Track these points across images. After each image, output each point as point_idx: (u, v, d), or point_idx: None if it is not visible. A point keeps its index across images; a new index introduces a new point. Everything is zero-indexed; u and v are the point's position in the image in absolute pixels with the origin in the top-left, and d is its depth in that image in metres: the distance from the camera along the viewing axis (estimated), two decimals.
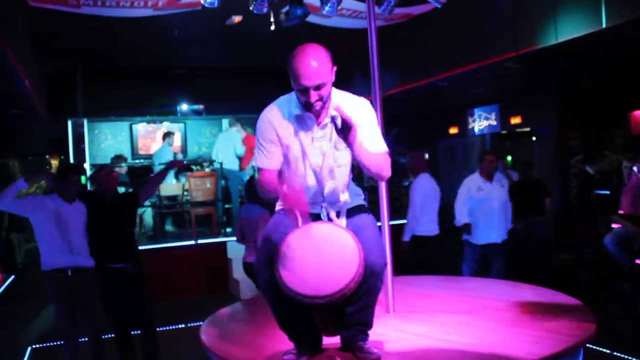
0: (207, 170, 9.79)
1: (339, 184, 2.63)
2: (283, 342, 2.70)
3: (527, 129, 11.17)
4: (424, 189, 6.05)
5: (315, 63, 2.35)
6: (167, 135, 10.17)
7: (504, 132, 11.74)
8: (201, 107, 12.01)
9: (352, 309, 2.49)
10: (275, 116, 2.55)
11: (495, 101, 11.49)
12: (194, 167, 9.87)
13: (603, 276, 6.67)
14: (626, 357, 4.64)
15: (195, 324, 6.36)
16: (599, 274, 6.76)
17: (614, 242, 5.91)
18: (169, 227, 9.72)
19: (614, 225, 6.63)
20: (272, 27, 6.45)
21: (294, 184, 2.55)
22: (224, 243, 8.60)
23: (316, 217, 2.63)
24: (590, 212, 7.58)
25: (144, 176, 10.44)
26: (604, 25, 5.61)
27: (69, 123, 10.50)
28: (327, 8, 5.91)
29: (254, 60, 10.51)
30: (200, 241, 8.58)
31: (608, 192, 6.49)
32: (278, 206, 2.76)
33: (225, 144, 9.22)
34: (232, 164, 9.14)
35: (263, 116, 2.59)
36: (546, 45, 6.33)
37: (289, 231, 2.48)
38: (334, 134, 2.50)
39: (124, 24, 7.38)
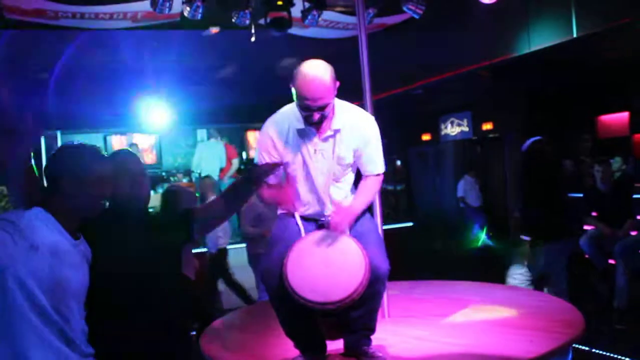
0: (184, 181, 9.77)
1: (341, 193, 2.71)
2: (286, 350, 2.77)
3: (498, 135, 11.42)
4: None
5: (319, 85, 2.39)
6: (130, 147, 10.14)
7: (474, 138, 11.98)
8: (175, 117, 11.93)
9: (357, 314, 2.56)
10: (276, 131, 2.59)
11: (468, 108, 11.74)
12: (172, 179, 9.83)
13: (578, 276, 6.88)
14: (604, 353, 4.81)
15: None
16: (573, 275, 6.97)
17: (589, 244, 6.11)
18: None
19: (586, 227, 6.86)
20: (253, 39, 6.54)
21: (294, 194, 2.63)
22: (204, 253, 8.57)
23: (320, 227, 2.70)
24: (560, 215, 7.78)
25: None
26: (574, 35, 5.83)
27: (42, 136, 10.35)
28: (308, 19, 6.02)
29: (228, 72, 10.52)
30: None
31: (581, 195, 6.69)
32: (280, 210, 2.82)
33: (208, 155, 9.23)
34: (213, 174, 9.16)
35: (265, 130, 2.63)
36: (520, 54, 6.53)
37: (295, 239, 2.55)
38: (336, 147, 2.57)
39: (95, 33, 7.35)
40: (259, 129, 10.11)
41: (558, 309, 3.30)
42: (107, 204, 2.23)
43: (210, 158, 9.20)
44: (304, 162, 2.59)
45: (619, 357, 4.73)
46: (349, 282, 2.38)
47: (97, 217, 2.06)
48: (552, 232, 5.07)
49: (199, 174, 9.06)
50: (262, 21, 6.61)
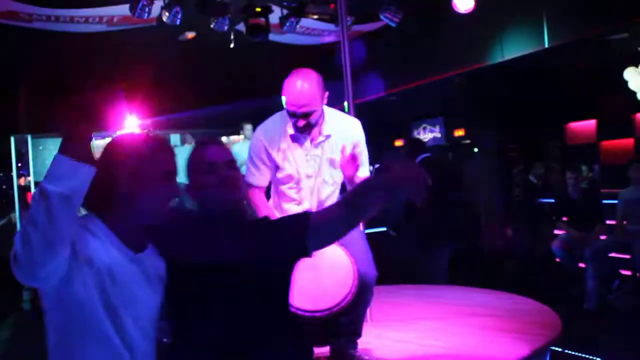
0: None
1: (329, 192, 2.76)
2: None
3: (469, 141, 11.62)
4: None
5: (304, 92, 2.46)
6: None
7: (446, 144, 12.16)
8: (149, 121, 11.85)
9: (344, 319, 2.61)
10: (268, 136, 2.65)
11: (440, 114, 11.91)
12: None
13: (550, 280, 7.05)
14: (576, 354, 4.94)
15: None
16: (545, 278, 7.14)
17: (560, 248, 6.27)
18: None
19: (557, 232, 7.04)
20: (232, 45, 6.57)
21: (286, 200, 2.67)
22: None
23: None
24: (534, 219, 7.97)
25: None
26: (546, 45, 5.99)
27: (12, 140, 10.17)
28: (286, 26, 6.07)
29: (202, 76, 10.50)
30: None
31: (552, 200, 6.86)
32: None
33: (183, 159, 9.15)
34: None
35: (257, 136, 2.69)
36: (493, 62, 6.67)
37: None
38: (327, 152, 2.63)
39: (70, 38, 7.28)
40: (231, 134, 10.16)
41: (535, 311, 3.39)
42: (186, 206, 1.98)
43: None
44: (296, 167, 2.64)
45: (590, 357, 4.87)
46: (338, 290, 2.43)
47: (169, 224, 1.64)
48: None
49: None
50: (240, 27, 6.67)
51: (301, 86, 2.46)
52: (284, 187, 2.72)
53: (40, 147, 10.91)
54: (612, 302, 5.94)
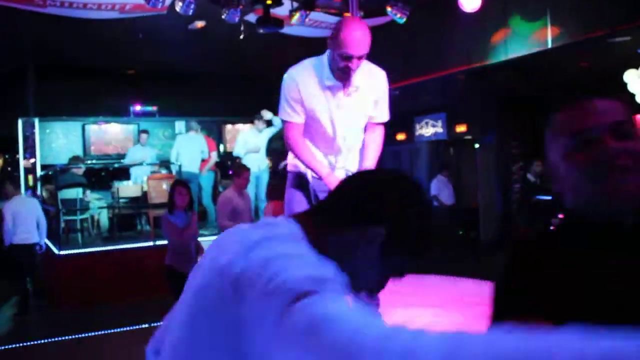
0: (163, 172, 9.84)
1: (357, 139, 2.95)
2: None
3: (471, 137, 11.74)
4: None
5: (364, 35, 2.63)
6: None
7: (447, 139, 12.29)
8: (154, 108, 11.99)
9: None
10: (304, 81, 2.78)
11: (442, 109, 12.02)
12: (151, 170, 9.87)
13: None
14: None
15: (155, 324, 6.47)
16: None
17: None
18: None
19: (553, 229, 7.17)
20: (242, 36, 6.69)
21: (316, 144, 2.87)
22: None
23: None
24: (531, 216, 8.13)
25: (102, 177, 10.43)
26: (549, 45, 6.11)
27: (19, 122, 10.30)
28: (295, 18, 6.19)
29: (210, 65, 10.63)
30: (158, 242, 8.63)
31: (550, 198, 7.01)
32: (290, 163, 3.02)
33: (189, 147, 9.27)
34: (194, 167, 9.23)
35: (290, 77, 2.80)
36: (497, 61, 6.80)
37: (305, 200, 2.77)
38: (358, 101, 2.80)
39: (79, 23, 7.39)
40: (236, 122, 10.29)
41: None
42: None
43: (191, 150, 9.26)
44: (330, 115, 2.81)
45: None
46: None
47: None
48: None
49: (179, 166, 9.15)
50: (251, 18, 6.80)
51: (361, 30, 2.63)
52: (314, 134, 2.89)
53: (47, 131, 11.05)
54: None
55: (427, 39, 7.68)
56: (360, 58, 2.64)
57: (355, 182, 1.14)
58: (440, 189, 10.98)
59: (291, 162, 3.00)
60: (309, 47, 8.35)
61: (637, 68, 6.76)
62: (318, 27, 7.59)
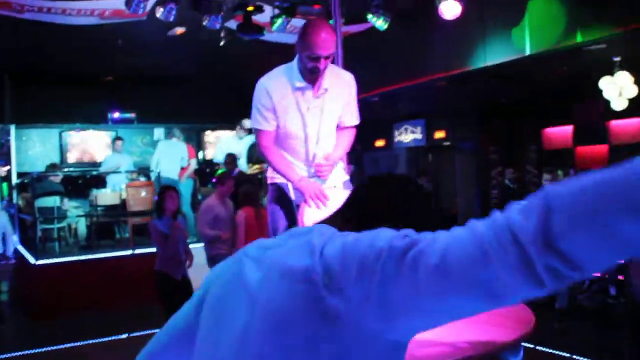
0: (142, 179, 9.75)
1: (328, 145, 2.96)
2: None
3: (449, 143, 11.85)
4: None
5: (329, 35, 2.68)
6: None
7: (426, 145, 12.38)
8: (133, 115, 11.89)
9: None
10: (274, 87, 2.82)
11: (421, 116, 12.11)
12: (129, 177, 9.76)
13: None
14: (547, 350, 5.16)
15: (136, 334, 6.38)
16: None
17: None
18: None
19: None
20: (222, 43, 6.68)
21: (289, 151, 2.90)
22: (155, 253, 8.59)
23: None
24: None
25: (78, 185, 10.28)
26: (527, 53, 6.21)
27: None
28: (277, 25, 6.20)
29: (189, 71, 10.58)
30: (137, 251, 8.54)
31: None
32: (270, 176, 3.04)
33: (170, 153, 9.21)
34: (173, 174, 9.17)
35: (260, 85, 2.85)
36: (476, 67, 6.88)
37: (289, 209, 2.78)
38: (327, 103, 2.84)
39: (57, 29, 7.31)
40: (215, 129, 10.21)
41: (509, 306, 3.54)
42: None
43: (171, 157, 9.20)
44: (301, 117, 2.85)
45: (561, 353, 5.09)
46: None
47: None
48: None
49: (159, 172, 9.08)
50: (231, 25, 6.80)
51: (326, 30, 2.68)
52: (287, 141, 2.92)
53: (24, 138, 10.89)
54: (582, 302, 6.19)
55: (407, 46, 7.74)
56: (327, 58, 2.70)
57: (369, 190, 1.16)
58: None
59: (270, 174, 3.03)
60: (290, 54, 8.40)
61: (612, 75, 6.89)
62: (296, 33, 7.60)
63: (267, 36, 7.15)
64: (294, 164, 2.92)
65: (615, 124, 9.27)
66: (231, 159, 7.10)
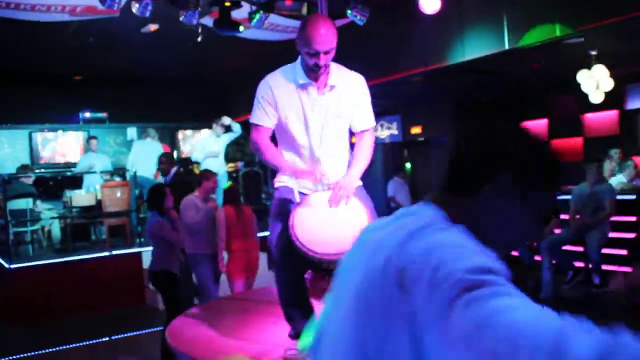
0: (117, 179, 9.57)
1: (337, 149, 2.87)
2: (254, 342, 2.88)
3: (425, 138, 11.89)
4: None
5: (328, 30, 2.62)
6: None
7: (403, 141, 12.41)
8: (104, 114, 11.66)
9: None
10: (277, 84, 2.76)
11: (397, 112, 12.14)
12: (104, 178, 9.56)
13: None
14: None
15: (115, 337, 6.26)
16: None
17: None
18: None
19: None
20: (199, 39, 6.56)
21: (291, 153, 2.80)
22: (139, 253, 8.45)
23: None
24: None
25: (50, 186, 10.03)
26: (506, 47, 6.22)
27: None
28: (255, 21, 6.10)
29: (162, 69, 10.41)
30: (114, 252, 8.38)
31: None
32: (277, 183, 2.94)
33: (146, 153, 9.05)
34: (149, 174, 9.01)
35: (265, 82, 2.79)
36: (454, 62, 6.88)
37: (295, 206, 2.68)
38: (332, 101, 2.75)
39: (26, 26, 7.10)
40: (189, 128, 10.07)
41: None
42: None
43: (147, 157, 9.04)
44: (304, 115, 2.76)
45: None
46: (359, 229, 2.52)
47: None
48: None
49: (134, 172, 8.91)
50: (207, 22, 6.66)
51: (325, 25, 2.63)
52: (289, 143, 2.83)
53: None
54: (566, 292, 6.26)
55: (384, 42, 7.71)
56: (327, 53, 2.64)
57: (461, 145, 1.13)
58: (397, 191, 11.05)
59: (276, 180, 2.94)
60: (265, 51, 8.31)
61: (589, 69, 6.96)
62: (275, 31, 7.51)
63: (244, 33, 7.04)
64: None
65: (589, 117, 9.41)
66: (167, 158, 6.89)
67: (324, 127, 2.78)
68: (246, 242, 5.60)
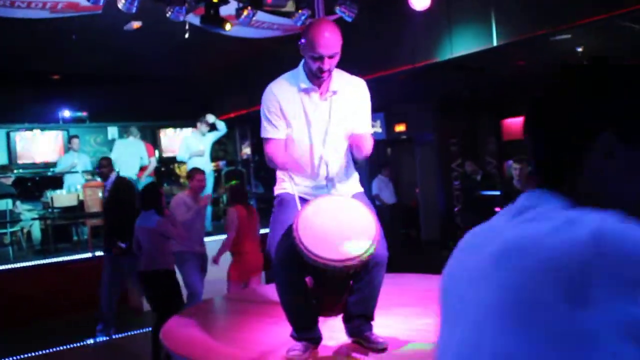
0: (99, 179, 9.40)
1: (338, 160, 2.84)
2: (251, 343, 2.82)
3: (409, 136, 11.89)
4: None
5: (332, 34, 2.62)
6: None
7: (386, 139, 12.39)
8: (84, 114, 11.46)
9: (355, 298, 2.69)
10: (281, 90, 2.76)
11: (381, 109, 12.11)
12: (85, 178, 9.39)
13: None
14: None
15: (100, 339, 6.14)
16: None
17: None
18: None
19: None
20: (186, 35, 6.46)
21: (296, 157, 2.78)
22: None
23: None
24: (475, 212, 8.29)
25: (28, 187, 9.84)
26: (494, 44, 6.24)
27: None
28: (242, 18, 6.03)
29: (144, 67, 10.25)
30: (97, 253, 8.22)
31: (498, 193, 7.17)
32: (277, 190, 2.91)
33: (128, 152, 8.91)
34: (132, 173, 8.87)
35: (269, 90, 2.79)
36: (442, 59, 6.87)
37: (297, 210, 2.63)
38: (335, 106, 2.74)
39: (4, 23, 6.93)
40: (172, 127, 9.91)
41: None
42: None
43: (130, 156, 8.90)
44: (306, 119, 2.75)
45: None
46: (365, 237, 2.47)
47: None
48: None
49: (118, 172, 8.75)
50: (191, 19, 6.56)
51: (330, 29, 2.63)
52: (292, 147, 2.81)
53: None
54: None
55: (370, 38, 7.68)
56: (331, 57, 2.63)
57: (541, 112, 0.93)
58: (381, 189, 11.05)
59: (276, 187, 2.92)
60: (248, 50, 8.22)
61: None
62: (261, 28, 7.44)
63: (229, 31, 6.96)
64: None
65: None
66: (107, 162, 6.75)
67: (327, 130, 2.78)
68: (255, 242, 5.50)
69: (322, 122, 2.76)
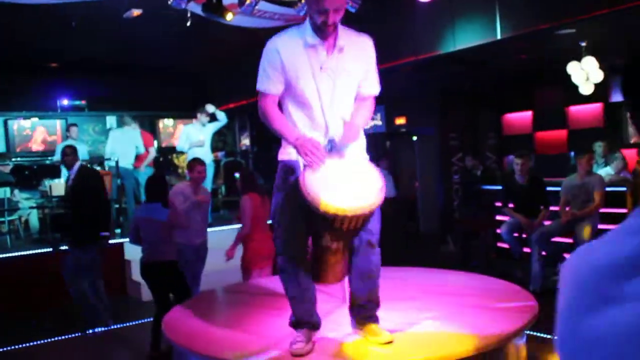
0: (96, 168, 9.34)
1: (346, 112, 2.77)
2: (251, 333, 2.79)
3: (409, 129, 11.84)
4: None
5: None
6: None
7: (386, 132, 12.34)
8: (83, 102, 11.39)
9: (356, 281, 2.72)
10: (284, 45, 2.68)
11: (381, 102, 12.04)
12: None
13: (494, 264, 7.35)
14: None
15: (98, 330, 6.11)
16: (489, 262, 7.44)
17: (507, 232, 6.54)
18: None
19: (499, 217, 7.34)
20: (188, 23, 6.40)
21: (301, 114, 2.73)
22: (121, 244, 8.27)
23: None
24: (476, 206, 8.26)
25: (26, 175, 9.77)
26: (498, 37, 6.19)
27: None
28: (244, 6, 5.97)
29: (143, 56, 10.17)
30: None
31: (500, 187, 7.13)
32: (281, 155, 2.83)
33: (123, 142, 8.83)
34: (127, 163, 8.81)
35: (271, 44, 2.71)
36: (445, 52, 6.82)
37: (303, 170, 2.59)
38: (342, 62, 2.68)
39: (2, 10, 6.85)
40: (170, 117, 9.82)
41: (511, 292, 3.53)
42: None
43: (125, 146, 8.82)
44: (313, 75, 2.67)
45: (534, 333, 5.14)
46: (374, 188, 2.49)
47: None
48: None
49: (116, 162, 8.71)
50: (192, 7, 6.50)
51: None
52: (299, 108, 2.75)
53: None
54: (555, 284, 6.26)
55: (373, 30, 7.60)
56: (336, 11, 2.56)
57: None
58: None
59: (280, 153, 2.84)
60: (247, 40, 8.14)
61: (579, 60, 6.96)
62: (262, 18, 7.37)
63: (232, 21, 6.90)
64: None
65: (574, 109, 9.45)
66: (71, 150, 6.63)
67: (334, 87, 2.71)
68: (266, 230, 5.22)
69: (330, 77, 2.69)
